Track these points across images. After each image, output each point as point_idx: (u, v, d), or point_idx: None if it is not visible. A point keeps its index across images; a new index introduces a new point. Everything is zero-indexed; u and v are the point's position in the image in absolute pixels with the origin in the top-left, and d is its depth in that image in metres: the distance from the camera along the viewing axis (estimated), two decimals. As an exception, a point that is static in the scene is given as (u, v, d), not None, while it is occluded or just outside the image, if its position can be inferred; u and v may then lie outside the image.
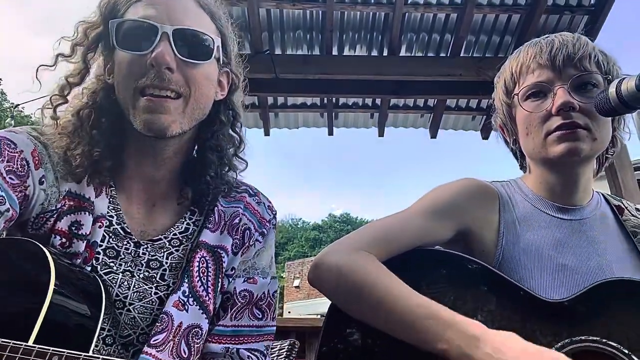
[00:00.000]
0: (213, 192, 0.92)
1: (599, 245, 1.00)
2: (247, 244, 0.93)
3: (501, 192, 1.07)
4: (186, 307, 0.81)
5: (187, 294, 0.82)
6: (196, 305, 0.82)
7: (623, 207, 1.11)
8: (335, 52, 3.79)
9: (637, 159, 3.78)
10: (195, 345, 0.82)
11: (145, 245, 0.85)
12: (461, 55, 3.80)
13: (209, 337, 0.86)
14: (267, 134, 4.57)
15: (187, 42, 0.82)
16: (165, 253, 0.86)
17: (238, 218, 0.94)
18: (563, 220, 1.02)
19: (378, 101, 4.38)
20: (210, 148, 0.93)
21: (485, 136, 4.51)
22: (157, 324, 0.78)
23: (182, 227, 0.90)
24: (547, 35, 1.06)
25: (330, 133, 4.61)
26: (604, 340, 0.80)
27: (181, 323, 0.80)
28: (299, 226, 64.65)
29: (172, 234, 0.89)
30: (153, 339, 0.77)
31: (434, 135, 4.58)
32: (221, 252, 0.89)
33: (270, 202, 1.04)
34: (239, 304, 0.89)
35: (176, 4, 0.84)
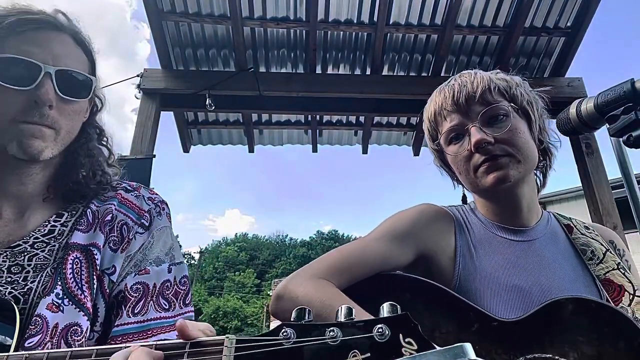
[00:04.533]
0: (83, 192, 0.96)
1: (551, 264, 1.02)
2: (127, 238, 0.93)
3: (457, 216, 1.11)
4: (61, 308, 0.81)
5: (61, 296, 0.82)
6: (72, 305, 0.82)
7: (572, 225, 1.14)
8: (318, 70, 3.84)
9: (615, 178, 3.87)
10: (76, 343, 0.80)
11: (5, 253, 0.86)
12: (442, 74, 3.88)
13: (111, 341, 0.83)
14: (251, 150, 4.58)
15: (68, 82, 0.88)
16: (27, 256, 0.87)
17: (110, 215, 0.94)
18: (515, 242, 1.05)
19: (361, 119, 4.43)
20: (81, 155, 0.97)
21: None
22: (30, 326, 0.77)
23: (45, 230, 0.91)
24: (449, 80, 1.11)
25: (315, 150, 4.65)
26: (556, 357, 0.82)
27: (57, 324, 0.79)
28: (286, 243, 64.29)
29: (33, 237, 0.89)
30: (27, 341, 0.76)
31: (416, 152, 4.64)
32: (92, 249, 0.89)
33: (153, 194, 1.03)
34: (133, 298, 0.87)
35: (57, 44, 0.90)
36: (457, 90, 1.04)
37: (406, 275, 0.98)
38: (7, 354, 0.59)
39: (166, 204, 1.04)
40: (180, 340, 0.52)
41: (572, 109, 0.98)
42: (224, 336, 0.50)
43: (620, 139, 0.90)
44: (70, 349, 0.56)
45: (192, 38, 3.66)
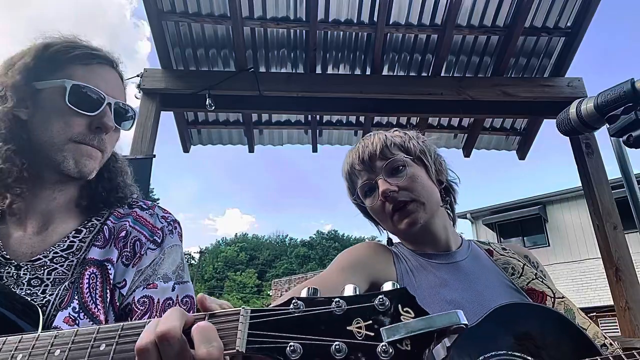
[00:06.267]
0: (105, 203, 1.03)
1: (480, 279, 1.14)
2: (139, 253, 0.97)
3: (394, 250, 1.25)
4: (77, 322, 0.85)
5: (77, 310, 0.86)
6: (87, 319, 0.86)
7: (492, 249, 1.29)
8: (318, 70, 3.84)
9: (615, 178, 3.88)
10: None
11: (26, 267, 0.90)
12: (442, 75, 3.88)
13: None
14: (251, 150, 4.58)
15: (120, 113, 1.02)
16: (46, 270, 0.91)
17: (125, 231, 0.99)
18: (443, 264, 1.18)
19: (361, 119, 4.43)
20: (109, 171, 1.06)
21: (467, 154, 4.58)
22: None
23: (64, 245, 0.95)
24: (356, 144, 1.28)
25: (315, 150, 4.64)
26: (509, 352, 0.91)
27: None
28: (286, 243, 64.25)
29: (52, 252, 0.93)
30: None
31: (417, 152, 4.63)
32: (107, 264, 0.93)
33: (166, 213, 1.09)
34: (139, 311, 0.91)
35: (113, 80, 1.03)
36: (362, 151, 1.21)
37: None
38: (36, 333, 0.62)
39: (178, 223, 1.09)
40: (201, 313, 0.56)
41: (572, 109, 0.98)
42: (240, 307, 0.55)
43: (620, 139, 0.90)
44: (97, 326, 0.60)
45: (192, 38, 3.66)
